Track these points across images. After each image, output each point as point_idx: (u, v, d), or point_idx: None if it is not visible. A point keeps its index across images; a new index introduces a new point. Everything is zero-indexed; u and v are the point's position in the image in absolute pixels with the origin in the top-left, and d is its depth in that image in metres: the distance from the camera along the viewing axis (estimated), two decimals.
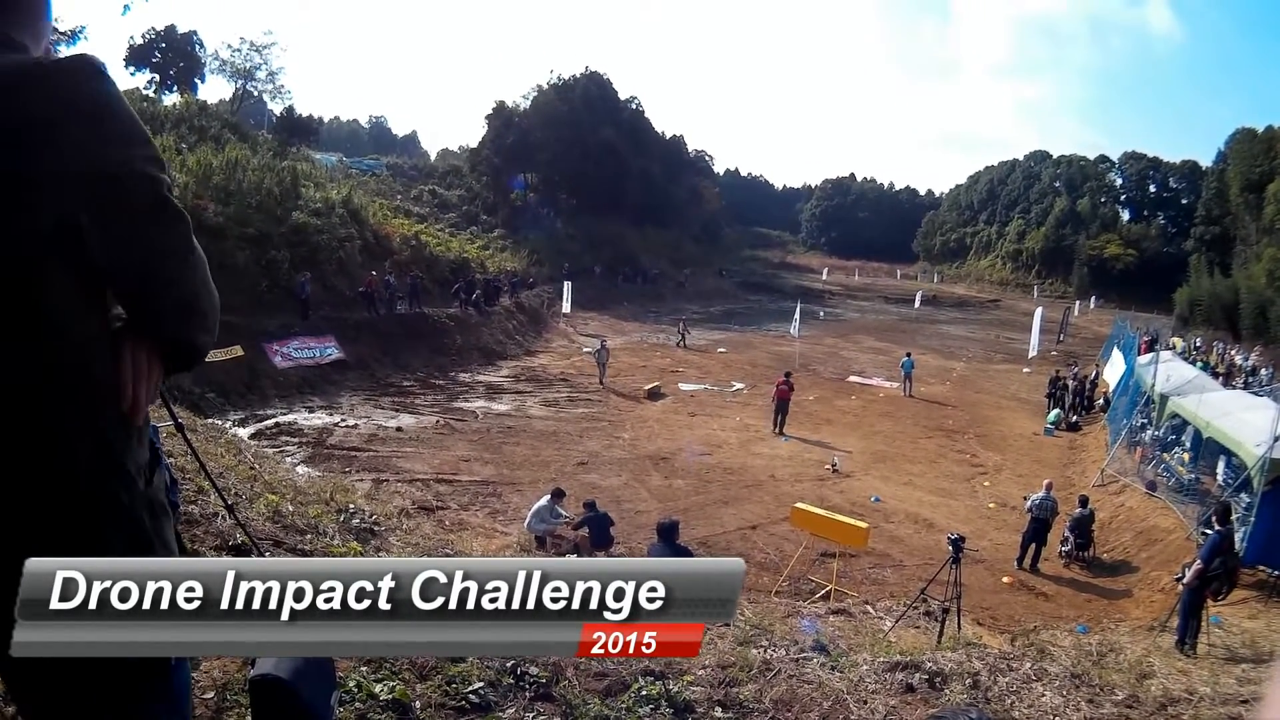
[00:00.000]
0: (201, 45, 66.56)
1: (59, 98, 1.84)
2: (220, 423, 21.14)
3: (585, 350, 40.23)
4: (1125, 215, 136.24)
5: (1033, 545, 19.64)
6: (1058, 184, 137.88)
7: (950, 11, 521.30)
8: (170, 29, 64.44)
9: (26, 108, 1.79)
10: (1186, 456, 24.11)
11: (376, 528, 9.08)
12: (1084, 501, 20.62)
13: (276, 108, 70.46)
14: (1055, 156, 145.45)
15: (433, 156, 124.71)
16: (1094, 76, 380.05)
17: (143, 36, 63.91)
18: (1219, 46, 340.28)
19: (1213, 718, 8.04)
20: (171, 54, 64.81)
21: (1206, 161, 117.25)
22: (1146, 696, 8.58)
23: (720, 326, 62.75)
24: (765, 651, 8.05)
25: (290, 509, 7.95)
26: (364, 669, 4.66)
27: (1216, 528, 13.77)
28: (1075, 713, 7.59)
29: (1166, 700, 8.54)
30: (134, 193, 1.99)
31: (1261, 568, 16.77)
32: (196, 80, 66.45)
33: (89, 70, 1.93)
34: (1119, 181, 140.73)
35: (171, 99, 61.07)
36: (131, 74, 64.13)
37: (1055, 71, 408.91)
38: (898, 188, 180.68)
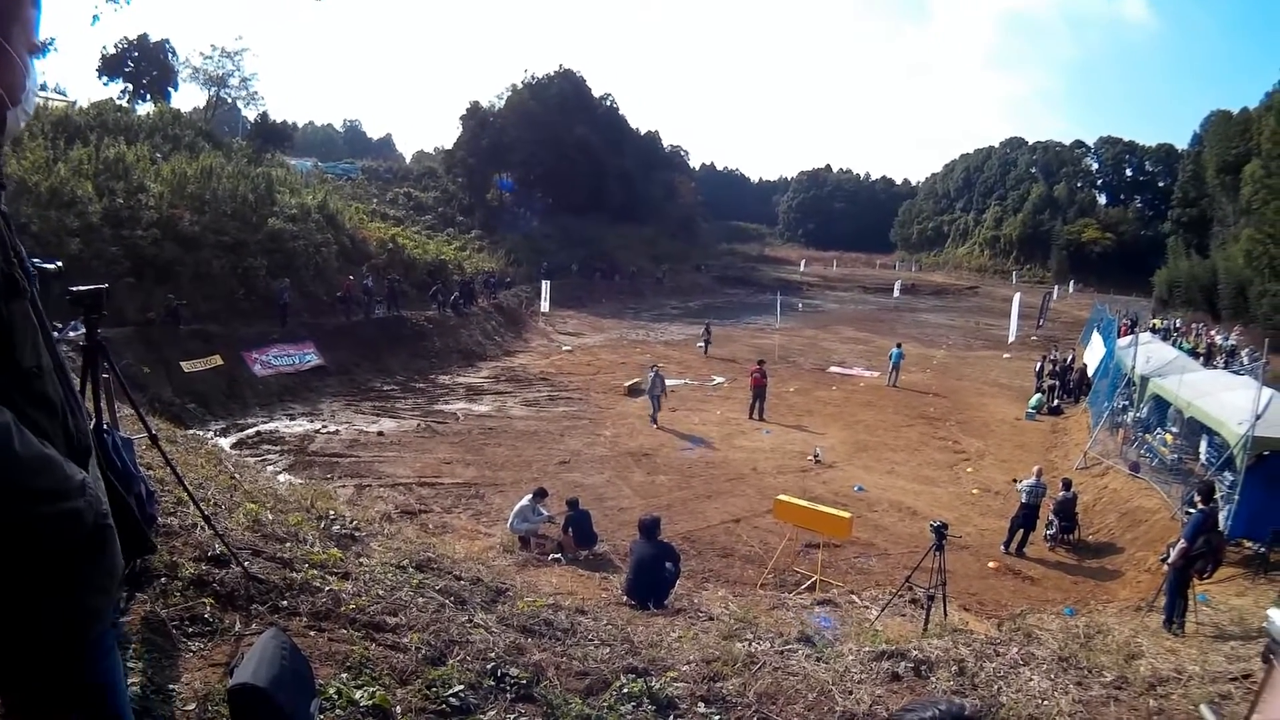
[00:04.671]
0: (174, 53, 66.10)
1: None
2: (201, 433, 21.06)
3: (636, 381, 37.58)
4: (1102, 199, 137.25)
5: (1020, 530, 19.76)
6: (1034, 170, 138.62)
7: (926, 3, 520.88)
8: (143, 38, 63.97)
9: None
10: (1169, 437, 24.28)
11: (357, 533, 9.05)
12: (1067, 484, 20.68)
13: (250, 114, 70.37)
14: (1031, 143, 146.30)
15: (408, 159, 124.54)
16: (1070, 67, 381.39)
17: (115, 46, 63.41)
18: (1193, 33, 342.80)
19: (1202, 695, 8.07)
20: (144, 63, 64.32)
21: (1182, 145, 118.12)
22: (1135, 677, 8.65)
23: (699, 321, 62.81)
24: (750, 645, 8.09)
25: (270, 517, 7.92)
26: (344, 675, 4.66)
27: (1200, 506, 13.83)
28: (1063, 695, 7.66)
29: (1155, 680, 8.61)
30: None
31: (1247, 543, 16.94)
32: (169, 89, 66.01)
33: None
34: (1095, 166, 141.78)
35: (145, 108, 60.75)
36: (105, 84, 63.77)
37: (1032, 62, 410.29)
38: (874, 178, 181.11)
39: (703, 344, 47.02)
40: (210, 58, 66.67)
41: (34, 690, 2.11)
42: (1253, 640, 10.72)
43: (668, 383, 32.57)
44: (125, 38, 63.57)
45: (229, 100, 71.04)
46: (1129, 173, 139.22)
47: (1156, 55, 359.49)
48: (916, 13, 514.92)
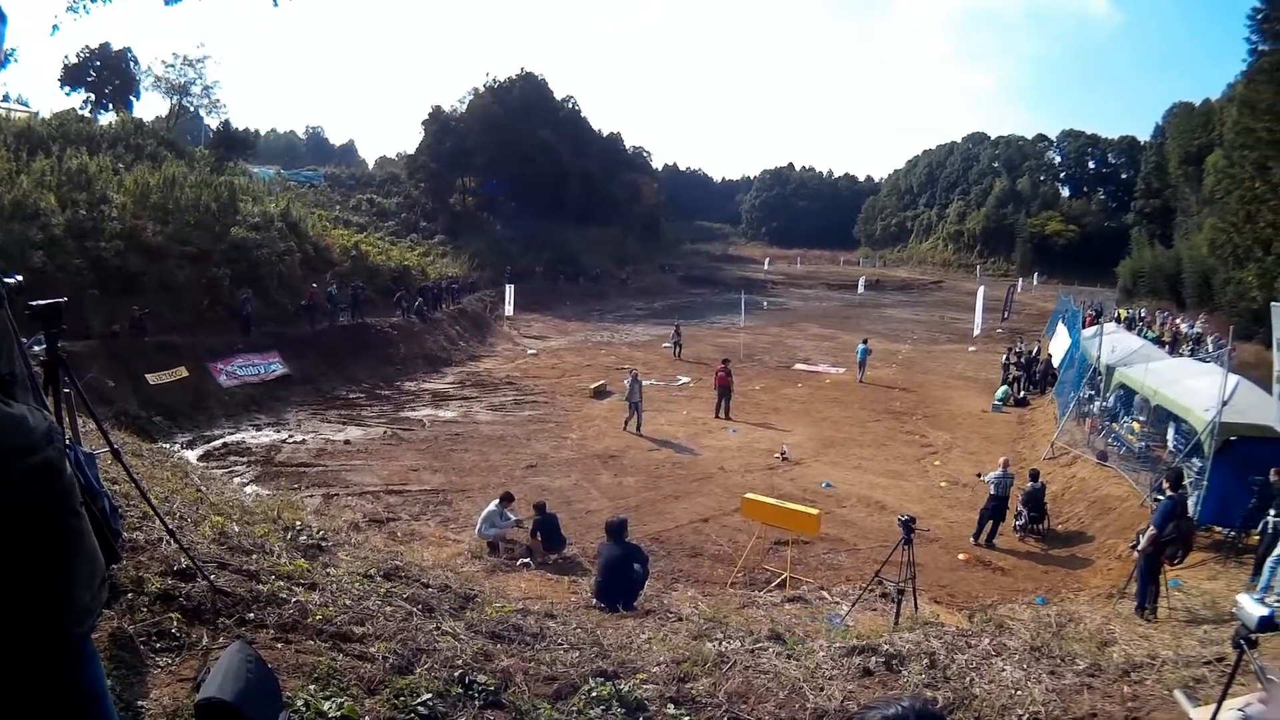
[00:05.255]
0: (136, 62, 65.98)
1: None
2: (167, 446, 20.92)
3: (617, 393, 36.76)
4: (1065, 192, 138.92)
5: (989, 521, 19.88)
6: (996, 164, 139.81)
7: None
8: (104, 47, 63.83)
9: None
10: (1137, 425, 24.50)
11: (324, 543, 9.03)
12: (1035, 475, 20.86)
13: (213, 122, 69.86)
14: (994, 138, 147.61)
15: (371, 165, 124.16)
16: (1032, 61, 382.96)
17: (77, 56, 63.35)
18: (1154, 26, 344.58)
19: (1176, 680, 8.12)
20: (106, 72, 64.17)
21: (1145, 136, 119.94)
22: (1109, 664, 8.68)
23: (664, 321, 62.82)
24: (720, 644, 8.07)
25: (237, 529, 7.87)
26: (311, 686, 4.64)
27: (1169, 493, 13.99)
28: (1037, 685, 7.68)
29: (1129, 666, 8.63)
30: None
31: (1217, 528, 17.14)
32: (132, 98, 65.86)
33: None
34: (1058, 159, 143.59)
35: (108, 118, 60.57)
36: (67, 94, 63.67)
37: (994, 57, 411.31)
38: (836, 175, 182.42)
39: (673, 345, 46.61)
40: (172, 66, 66.40)
41: (22, 703, 2.12)
42: (1225, 624, 10.76)
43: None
44: (87, 47, 63.62)
45: (191, 109, 70.71)
46: (1092, 165, 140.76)
47: (1118, 48, 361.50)
48: (878, 9, 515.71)
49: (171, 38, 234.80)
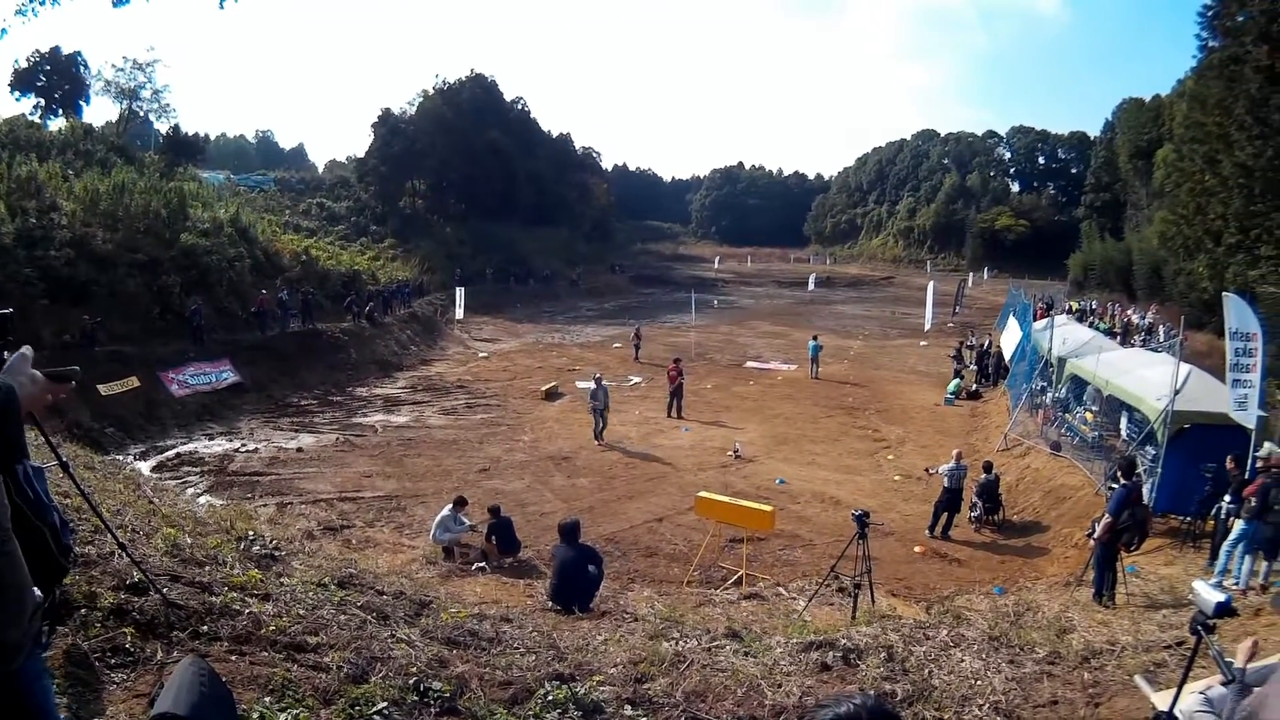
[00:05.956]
0: (86, 66, 65.12)
1: None
2: (120, 458, 20.83)
3: (579, 388, 36.07)
4: (1015, 187, 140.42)
5: (944, 514, 20.03)
6: (946, 161, 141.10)
7: None
8: (55, 50, 62.94)
9: None
10: (1090, 415, 24.79)
11: (278, 553, 8.98)
12: (988, 467, 21.08)
13: (163, 127, 69.20)
14: (944, 134, 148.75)
15: (321, 168, 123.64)
16: (982, 58, 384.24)
17: (27, 60, 62.50)
18: (1104, 23, 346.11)
19: (1137, 666, 8.24)
20: (56, 76, 63.36)
21: (1095, 132, 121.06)
22: (1068, 651, 8.79)
23: (615, 322, 62.89)
24: (677, 643, 8.11)
25: (189, 541, 7.83)
26: (266, 699, 4.63)
27: (1122, 481, 14.17)
28: (996, 675, 7.82)
29: (1089, 653, 8.77)
30: None
31: (1173, 516, 17.50)
32: (81, 102, 65.13)
33: None
34: (1008, 155, 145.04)
35: (57, 124, 60.06)
36: (17, 99, 62.83)
37: (944, 54, 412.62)
38: (786, 173, 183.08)
39: (634, 347, 46.04)
40: (122, 70, 65.72)
41: None
42: (1184, 608, 10.90)
43: (582, 385, 32.58)
44: (37, 50, 62.71)
45: (141, 113, 70.02)
46: (1042, 161, 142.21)
47: (1068, 46, 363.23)
48: (830, 7, 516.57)
49: (121, 41, 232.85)
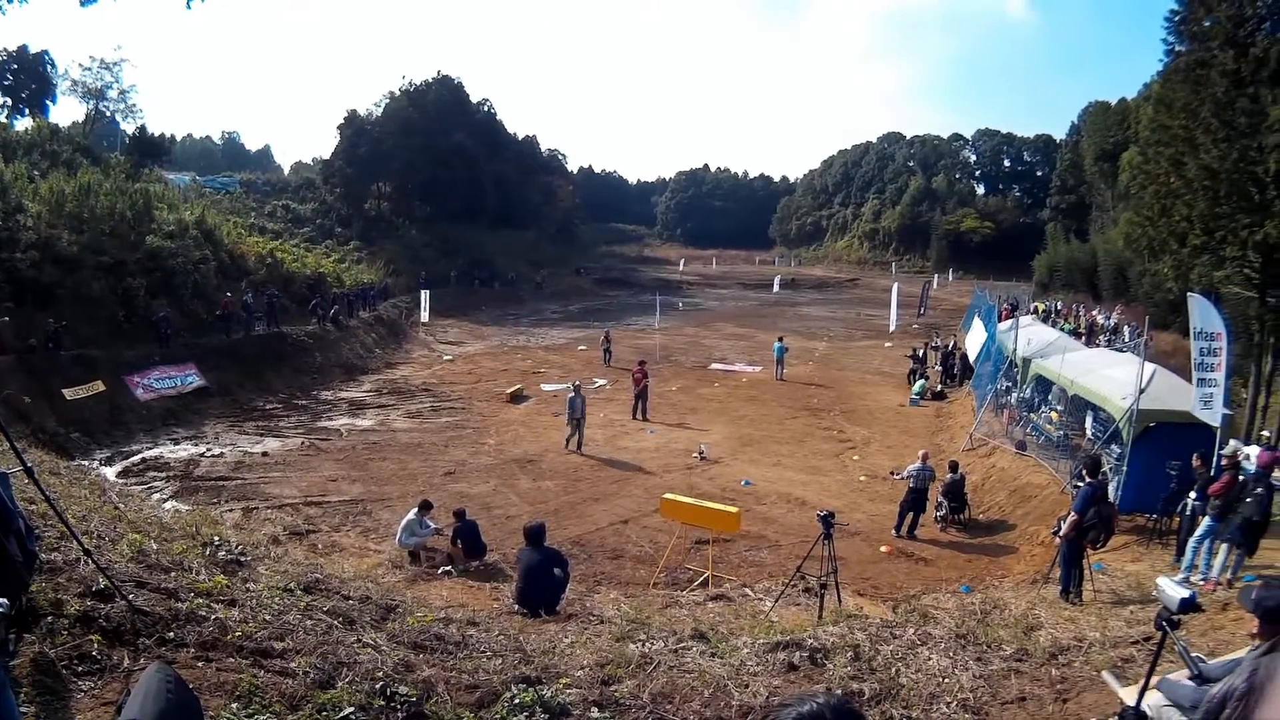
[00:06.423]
0: (53, 65, 64.83)
1: None
2: (86, 463, 20.70)
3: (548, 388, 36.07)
4: (981, 190, 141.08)
5: (910, 513, 20.15)
6: (912, 163, 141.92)
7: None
8: (22, 49, 62.55)
9: None
10: (1055, 415, 25.03)
11: (244, 558, 8.94)
12: (954, 466, 21.29)
13: (129, 127, 68.92)
14: (909, 137, 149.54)
15: (287, 170, 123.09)
16: (948, 61, 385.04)
17: None
18: (1070, 26, 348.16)
19: (1104, 662, 8.29)
20: (23, 76, 62.93)
21: (1060, 135, 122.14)
22: (1036, 648, 8.85)
23: (580, 324, 62.94)
24: (643, 645, 8.14)
25: (155, 547, 7.79)
26: (234, 705, 4.64)
27: (1088, 480, 14.30)
28: (964, 672, 7.87)
29: (1056, 650, 8.83)
30: None
31: (1139, 514, 17.72)
32: (48, 102, 64.78)
33: None
34: (973, 158, 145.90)
35: (23, 124, 59.63)
36: None
37: (910, 57, 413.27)
38: (752, 175, 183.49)
39: (604, 352, 45.85)
40: (89, 69, 65.52)
41: None
42: (1150, 604, 10.90)
43: (547, 388, 32.58)
44: (4, 49, 62.29)
45: (107, 113, 69.68)
46: (1007, 163, 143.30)
47: (1034, 49, 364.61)
48: (795, 9, 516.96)
49: (88, 40, 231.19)
